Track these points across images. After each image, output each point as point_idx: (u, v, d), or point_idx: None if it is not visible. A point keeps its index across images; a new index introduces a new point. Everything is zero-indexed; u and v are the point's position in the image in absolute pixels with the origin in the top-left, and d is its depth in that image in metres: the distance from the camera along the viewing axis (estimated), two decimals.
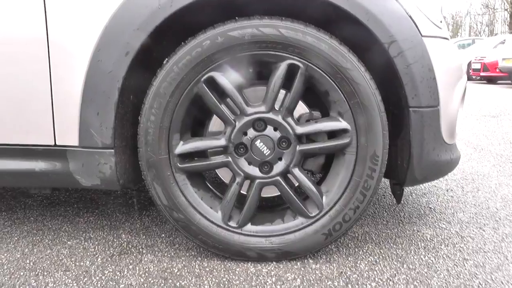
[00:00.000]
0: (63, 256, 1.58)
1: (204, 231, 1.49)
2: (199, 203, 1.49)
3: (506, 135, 4.11)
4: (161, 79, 1.41)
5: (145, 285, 1.38)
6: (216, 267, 1.49)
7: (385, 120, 1.43)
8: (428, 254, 1.58)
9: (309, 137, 1.50)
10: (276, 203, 1.66)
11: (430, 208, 2.08)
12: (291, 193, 1.48)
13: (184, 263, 1.52)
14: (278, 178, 1.47)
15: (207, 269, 1.47)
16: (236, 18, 1.40)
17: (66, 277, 1.43)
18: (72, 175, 1.50)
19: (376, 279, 1.41)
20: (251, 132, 1.45)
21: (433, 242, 1.68)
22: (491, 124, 4.80)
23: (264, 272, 1.46)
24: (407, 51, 1.40)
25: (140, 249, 1.64)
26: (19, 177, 1.55)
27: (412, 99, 1.42)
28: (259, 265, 1.50)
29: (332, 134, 1.49)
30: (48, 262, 1.54)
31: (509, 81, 13.01)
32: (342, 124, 1.44)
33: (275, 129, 1.45)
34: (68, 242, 1.71)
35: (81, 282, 1.40)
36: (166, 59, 1.43)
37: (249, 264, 1.50)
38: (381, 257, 1.55)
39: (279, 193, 1.52)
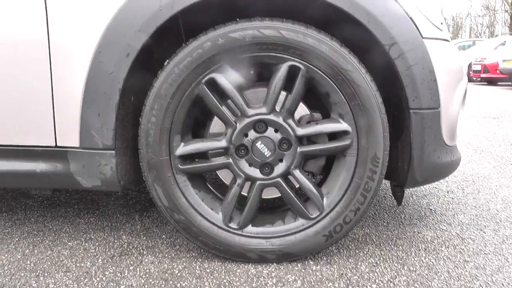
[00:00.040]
0: (63, 257, 1.59)
1: (205, 232, 1.49)
2: (200, 204, 1.49)
3: (506, 136, 4.11)
4: (162, 81, 1.41)
5: (146, 286, 1.38)
6: (216, 268, 1.49)
7: (386, 122, 1.43)
8: (428, 256, 1.58)
9: (310, 139, 1.50)
10: (276, 204, 1.65)
11: (431, 209, 2.08)
12: (292, 195, 1.48)
13: (184, 264, 1.52)
14: (279, 179, 1.47)
15: (208, 271, 1.47)
16: (237, 19, 1.41)
17: (67, 278, 1.43)
18: (73, 176, 1.51)
19: (377, 280, 1.41)
20: (252, 134, 1.45)
21: (433, 244, 1.68)
22: (492, 126, 4.80)
23: (264, 273, 1.46)
24: (408, 52, 1.40)
25: (141, 250, 1.64)
26: (20, 178, 1.55)
27: (413, 101, 1.42)
28: (259, 266, 1.50)
29: (333, 136, 1.49)
30: (49, 263, 1.54)
31: (510, 83, 13.01)
32: (342, 126, 1.44)
33: (276, 131, 1.45)
34: (69, 243, 1.71)
35: (81, 283, 1.40)
36: (167, 60, 1.43)
37: (249, 266, 1.50)
38: (381, 258, 1.55)
39: (280, 195, 1.52)
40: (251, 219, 1.51)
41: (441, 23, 1.53)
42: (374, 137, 1.43)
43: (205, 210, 1.50)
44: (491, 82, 13.93)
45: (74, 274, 1.46)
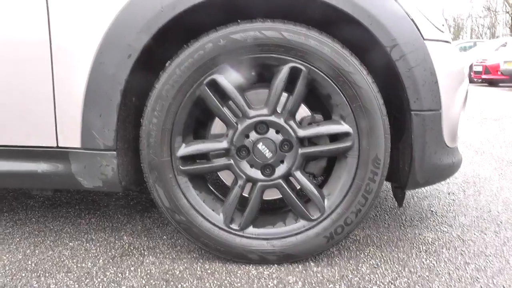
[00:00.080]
0: (64, 258, 1.59)
1: (206, 233, 1.49)
2: (201, 205, 1.49)
3: (507, 138, 4.11)
4: (163, 82, 1.41)
5: (147, 287, 1.38)
6: (217, 269, 1.49)
7: (387, 123, 1.43)
8: (429, 257, 1.58)
9: (311, 140, 1.50)
10: (278, 205, 1.65)
11: (432, 211, 2.08)
12: (293, 196, 1.48)
13: (185, 265, 1.52)
14: (280, 181, 1.47)
15: (209, 271, 1.47)
16: (239, 21, 1.41)
17: (68, 279, 1.43)
18: (74, 177, 1.51)
19: (378, 282, 1.41)
20: (253, 135, 1.45)
21: (434, 245, 1.68)
22: (493, 127, 4.80)
23: (265, 274, 1.46)
24: (409, 54, 1.40)
25: (142, 251, 1.64)
26: (21, 178, 1.55)
27: (414, 102, 1.43)
28: (260, 267, 1.50)
29: (334, 137, 1.49)
30: (50, 263, 1.55)
31: (511, 84, 13.00)
32: (344, 127, 1.44)
33: (277, 132, 1.45)
34: (70, 244, 1.71)
35: (82, 283, 1.40)
36: (169, 61, 1.43)
37: (250, 267, 1.50)
38: (382, 260, 1.55)
39: (281, 196, 1.52)
40: (252, 220, 1.51)
41: (442, 25, 1.53)
42: (375, 138, 1.43)
43: (206, 211, 1.50)
44: (492, 83, 13.91)
45: (75, 275, 1.46)
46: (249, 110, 1.44)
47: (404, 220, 1.96)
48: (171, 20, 1.37)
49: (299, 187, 1.51)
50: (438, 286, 1.38)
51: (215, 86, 1.42)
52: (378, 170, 1.44)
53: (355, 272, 1.47)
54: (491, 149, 3.58)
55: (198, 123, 1.59)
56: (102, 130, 1.44)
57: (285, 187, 1.48)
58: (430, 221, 1.95)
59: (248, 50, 1.39)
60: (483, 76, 13.56)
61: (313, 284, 1.39)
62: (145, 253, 1.62)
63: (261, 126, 1.45)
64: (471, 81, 14.42)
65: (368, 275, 1.45)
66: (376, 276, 1.45)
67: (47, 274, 1.46)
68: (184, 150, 1.46)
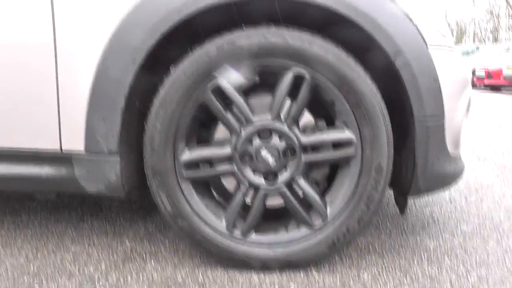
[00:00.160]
0: (67, 262, 1.59)
1: (208, 239, 1.49)
2: (203, 211, 1.49)
3: (510, 144, 4.11)
4: (167, 87, 1.41)
5: None
6: (219, 275, 1.49)
7: (390, 130, 1.43)
8: (431, 265, 1.57)
9: (314, 147, 1.50)
10: (280, 212, 1.65)
11: (434, 218, 2.08)
12: (295, 203, 1.48)
13: (187, 271, 1.52)
14: (283, 187, 1.47)
15: (211, 278, 1.47)
16: (243, 24, 1.41)
17: (70, 284, 1.43)
18: (77, 181, 1.51)
19: None
20: (257, 141, 1.45)
21: (436, 253, 1.68)
22: (495, 133, 4.79)
23: (267, 281, 1.45)
24: (413, 61, 1.40)
25: (144, 256, 1.64)
26: (24, 181, 1.56)
27: (417, 109, 1.43)
28: (262, 274, 1.50)
29: (337, 144, 1.49)
30: (52, 267, 1.55)
31: None
32: (347, 134, 1.44)
33: (280, 138, 1.45)
34: (72, 248, 1.71)
35: None
36: (173, 66, 1.44)
37: (252, 273, 1.50)
38: (384, 268, 1.55)
39: (283, 203, 1.52)
40: (254, 227, 1.51)
41: (446, 31, 1.53)
42: (378, 146, 1.42)
43: (208, 217, 1.49)
44: (494, 88, 13.91)
45: (77, 280, 1.46)
46: (253, 116, 1.44)
47: (405, 227, 1.96)
48: (176, 24, 1.38)
49: (302, 194, 1.51)
50: None
51: (219, 92, 1.42)
52: (380, 178, 1.44)
53: (357, 280, 1.47)
54: (493, 156, 3.57)
55: (201, 126, 1.59)
56: (105, 134, 1.45)
57: (288, 193, 1.48)
58: (432, 228, 1.94)
59: (252, 56, 1.39)
60: (486, 81, 13.55)
61: None
62: (147, 259, 1.62)
63: (265, 132, 1.45)
64: (474, 86, 14.42)
65: (369, 283, 1.45)
66: (378, 284, 1.44)
67: (49, 279, 1.47)
68: (187, 155, 1.46)
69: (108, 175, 1.48)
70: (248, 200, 1.53)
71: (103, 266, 1.55)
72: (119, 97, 1.42)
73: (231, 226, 1.50)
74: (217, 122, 1.56)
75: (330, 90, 1.41)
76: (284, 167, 1.47)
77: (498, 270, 1.55)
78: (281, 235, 1.51)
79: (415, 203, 2.33)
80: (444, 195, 2.47)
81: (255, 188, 1.48)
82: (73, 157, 1.49)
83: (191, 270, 1.53)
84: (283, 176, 1.47)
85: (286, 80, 1.41)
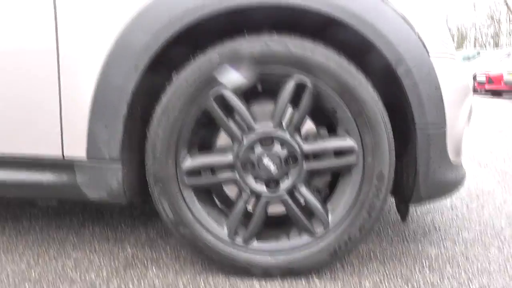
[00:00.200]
0: (68, 268, 1.59)
1: (210, 247, 1.48)
2: (205, 218, 1.49)
3: (511, 150, 4.10)
4: (169, 94, 1.42)
5: None
6: (221, 283, 1.49)
7: (392, 138, 1.43)
8: (432, 273, 1.57)
9: (316, 155, 1.50)
10: (281, 219, 1.65)
11: (435, 226, 2.08)
12: (297, 211, 1.48)
13: (189, 278, 1.52)
14: (285, 195, 1.47)
15: (212, 285, 1.47)
16: (245, 31, 1.42)
17: None
18: (79, 188, 1.51)
19: None
20: (258, 149, 1.45)
21: (438, 261, 1.67)
22: (496, 139, 4.79)
23: None
24: (414, 69, 1.41)
25: (145, 263, 1.64)
26: (26, 188, 1.56)
27: (419, 117, 1.43)
28: (264, 281, 1.50)
29: (339, 152, 1.49)
30: (53, 274, 1.55)
31: None
32: (349, 142, 1.44)
33: (282, 146, 1.45)
34: (73, 254, 1.71)
35: None
36: (175, 74, 1.44)
37: (254, 281, 1.50)
38: (385, 275, 1.55)
39: (284, 210, 1.52)
40: (256, 234, 1.50)
41: (447, 39, 1.54)
42: (380, 154, 1.42)
43: (210, 224, 1.49)
44: (495, 93, 13.92)
45: (79, 286, 1.46)
46: (255, 123, 1.45)
47: (407, 235, 1.96)
48: (178, 32, 1.38)
49: (303, 201, 1.51)
50: None
51: (221, 99, 1.43)
52: (382, 186, 1.44)
53: (358, 287, 1.47)
54: (494, 162, 3.57)
55: (203, 132, 1.59)
56: (107, 141, 1.45)
57: (289, 201, 1.48)
58: (434, 236, 1.94)
59: (254, 63, 1.39)
60: (487, 87, 13.57)
61: None
62: (149, 265, 1.62)
63: (266, 140, 1.45)
64: (475, 91, 14.43)
65: None
66: None
67: (50, 285, 1.46)
68: (189, 163, 1.46)
69: (110, 182, 1.48)
70: (250, 207, 1.53)
71: (105, 273, 1.55)
72: (121, 104, 1.43)
73: (233, 234, 1.49)
74: (219, 130, 1.56)
75: (331, 98, 1.41)
76: (286, 174, 1.47)
77: (500, 278, 1.54)
78: (283, 243, 1.51)
79: (416, 210, 2.33)
80: (445, 202, 2.47)
81: (257, 195, 1.48)
82: (75, 163, 1.50)
83: (193, 276, 1.53)
84: (285, 184, 1.47)
85: (288, 88, 1.41)
